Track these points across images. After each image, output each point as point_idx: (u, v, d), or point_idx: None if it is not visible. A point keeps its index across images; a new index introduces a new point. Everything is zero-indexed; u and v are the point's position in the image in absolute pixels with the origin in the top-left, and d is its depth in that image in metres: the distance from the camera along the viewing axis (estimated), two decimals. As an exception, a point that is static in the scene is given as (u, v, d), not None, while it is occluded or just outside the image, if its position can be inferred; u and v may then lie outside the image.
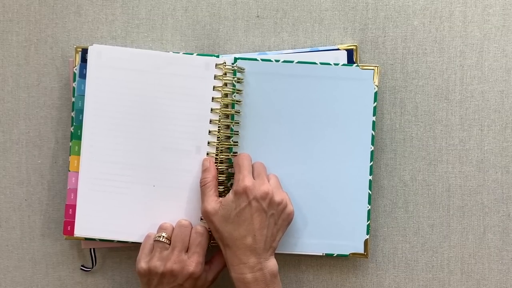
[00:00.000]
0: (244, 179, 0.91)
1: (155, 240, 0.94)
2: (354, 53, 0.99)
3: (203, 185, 0.94)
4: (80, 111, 0.97)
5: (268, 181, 0.94)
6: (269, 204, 0.91)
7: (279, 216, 0.92)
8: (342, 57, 0.99)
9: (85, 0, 1.02)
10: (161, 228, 0.95)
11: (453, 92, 1.02)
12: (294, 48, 1.02)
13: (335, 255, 0.99)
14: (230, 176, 0.97)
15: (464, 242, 1.03)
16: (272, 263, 0.91)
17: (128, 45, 1.02)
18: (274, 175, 0.96)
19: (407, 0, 1.02)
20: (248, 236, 0.90)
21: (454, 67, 1.02)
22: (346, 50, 0.99)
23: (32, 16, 1.02)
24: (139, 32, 1.02)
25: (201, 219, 0.97)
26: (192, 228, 0.95)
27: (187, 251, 0.93)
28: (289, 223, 0.95)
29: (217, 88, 0.96)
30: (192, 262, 0.92)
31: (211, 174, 0.95)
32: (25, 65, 1.02)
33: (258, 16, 1.02)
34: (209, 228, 0.95)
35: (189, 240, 0.94)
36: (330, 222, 0.98)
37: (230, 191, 0.92)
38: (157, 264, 0.91)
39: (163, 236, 0.93)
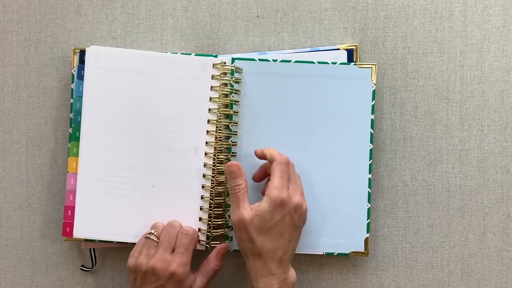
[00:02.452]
0: (283, 190, 0.88)
1: (145, 237, 0.94)
2: (354, 53, 0.99)
3: (237, 192, 0.90)
4: (78, 113, 0.97)
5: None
6: (299, 217, 0.90)
7: (301, 225, 0.92)
8: (342, 57, 0.99)
9: (85, 0, 1.02)
10: (153, 227, 0.95)
11: (453, 92, 1.02)
12: (294, 48, 1.02)
13: (335, 254, 0.99)
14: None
15: (464, 242, 1.03)
16: (293, 273, 0.91)
17: (128, 45, 1.02)
18: (297, 176, 0.94)
19: (407, 0, 1.02)
20: (280, 249, 0.89)
21: (454, 67, 1.02)
22: (346, 50, 0.99)
23: (32, 16, 1.02)
24: (139, 32, 1.02)
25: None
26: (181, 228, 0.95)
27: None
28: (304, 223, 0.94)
29: (214, 88, 0.96)
30: (174, 262, 0.91)
31: (244, 179, 0.91)
32: (25, 65, 1.02)
33: (258, 16, 1.02)
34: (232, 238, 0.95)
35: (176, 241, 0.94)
36: (330, 221, 0.98)
37: (264, 199, 0.89)
38: (143, 261, 0.91)
39: (153, 234, 0.93)
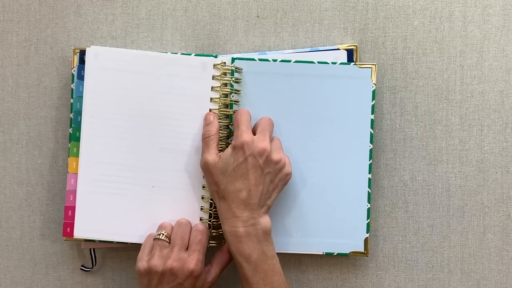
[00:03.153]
0: (243, 135, 0.92)
1: (154, 239, 0.93)
2: (354, 53, 0.99)
3: (206, 137, 0.94)
4: (79, 113, 0.97)
5: (270, 141, 0.94)
6: (265, 161, 0.91)
7: (276, 175, 0.93)
8: (342, 57, 0.99)
9: (85, 0, 1.02)
10: (160, 227, 0.95)
11: (453, 92, 1.02)
12: (294, 48, 1.02)
13: (335, 254, 0.99)
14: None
15: (464, 242, 1.03)
16: (265, 220, 0.92)
17: (128, 45, 1.02)
18: (277, 138, 0.96)
19: (407, 0, 1.02)
20: (244, 190, 0.91)
21: (454, 67, 1.02)
22: (346, 50, 0.99)
23: (32, 16, 1.02)
24: (139, 32, 1.02)
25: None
26: (191, 226, 0.95)
27: (187, 249, 0.93)
28: (285, 183, 0.95)
29: (215, 89, 0.96)
30: (192, 260, 0.91)
31: (215, 127, 0.95)
32: (25, 65, 1.02)
33: (258, 16, 1.02)
34: (205, 186, 0.97)
35: (189, 238, 0.94)
36: (330, 221, 0.98)
37: (229, 145, 0.93)
38: (157, 262, 0.91)
39: (163, 234, 0.93)
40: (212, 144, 0.94)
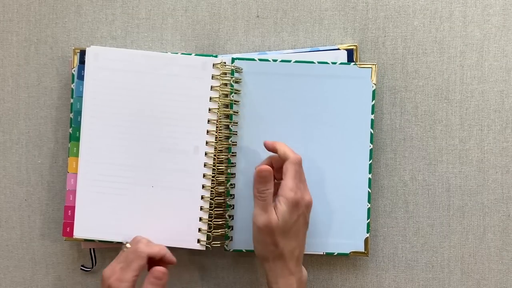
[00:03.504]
0: (297, 191, 0.88)
1: (122, 245, 0.92)
2: (354, 53, 0.99)
3: (266, 196, 0.88)
4: (79, 113, 0.97)
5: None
6: (309, 214, 0.91)
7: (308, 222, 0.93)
8: (342, 57, 0.99)
9: (85, 0, 1.02)
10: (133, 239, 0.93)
11: (453, 92, 1.02)
12: (294, 48, 1.02)
13: (335, 254, 0.99)
14: (230, 176, 0.97)
15: (464, 242, 1.03)
16: (305, 271, 0.92)
17: (128, 45, 1.02)
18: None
19: (407, 0, 1.02)
20: (297, 248, 0.90)
21: (454, 67, 1.02)
22: (346, 50, 0.99)
23: (32, 16, 1.02)
24: (139, 32, 1.02)
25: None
26: (145, 257, 0.89)
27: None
28: None
29: (215, 88, 0.96)
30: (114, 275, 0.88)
31: (272, 185, 0.89)
32: (25, 65, 1.02)
33: (258, 16, 1.02)
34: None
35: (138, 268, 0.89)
36: (330, 221, 0.98)
37: (281, 200, 0.88)
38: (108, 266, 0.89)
39: (126, 246, 0.91)
40: (270, 201, 0.89)
